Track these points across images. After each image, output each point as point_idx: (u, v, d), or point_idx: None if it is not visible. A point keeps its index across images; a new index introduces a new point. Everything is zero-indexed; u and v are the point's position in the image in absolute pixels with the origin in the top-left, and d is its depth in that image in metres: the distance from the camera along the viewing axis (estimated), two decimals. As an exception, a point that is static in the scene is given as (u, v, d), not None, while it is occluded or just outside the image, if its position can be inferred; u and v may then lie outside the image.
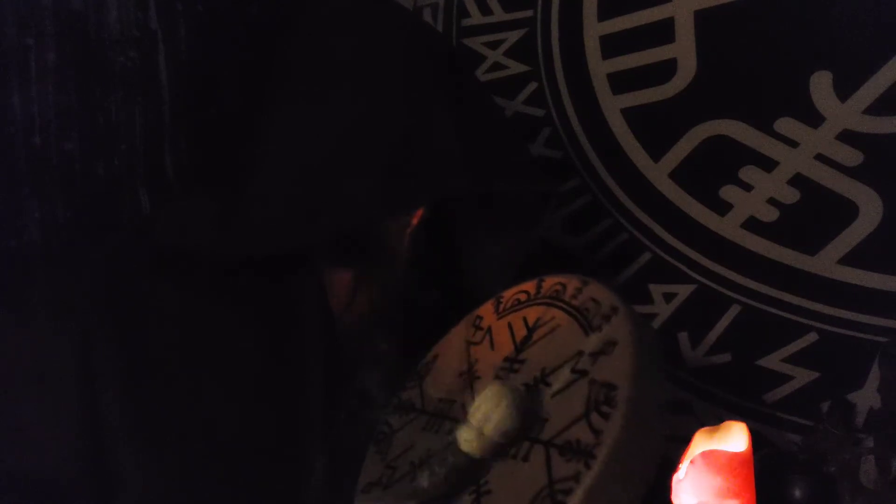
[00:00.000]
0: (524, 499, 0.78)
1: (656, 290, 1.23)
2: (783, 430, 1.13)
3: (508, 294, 1.02)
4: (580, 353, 0.84)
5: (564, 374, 0.85)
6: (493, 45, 1.44)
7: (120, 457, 0.95)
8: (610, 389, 0.78)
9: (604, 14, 1.32)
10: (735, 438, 0.94)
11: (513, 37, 1.42)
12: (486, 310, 1.03)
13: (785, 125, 1.16)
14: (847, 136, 1.12)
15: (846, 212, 1.11)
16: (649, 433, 0.78)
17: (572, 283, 0.93)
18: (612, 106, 1.30)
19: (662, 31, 1.26)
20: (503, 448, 0.85)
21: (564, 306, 0.91)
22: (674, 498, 0.92)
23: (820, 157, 1.13)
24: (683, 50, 1.24)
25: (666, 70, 1.25)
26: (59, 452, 0.97)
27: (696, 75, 1.23)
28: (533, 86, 1.39)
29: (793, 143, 1.15)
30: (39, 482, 0.96)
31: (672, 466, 0.93)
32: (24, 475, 0.96)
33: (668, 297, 1.22)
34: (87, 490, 0.96)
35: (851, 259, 1.11)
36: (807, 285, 1.13)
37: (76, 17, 1.13)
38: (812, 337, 1.13)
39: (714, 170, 1.21)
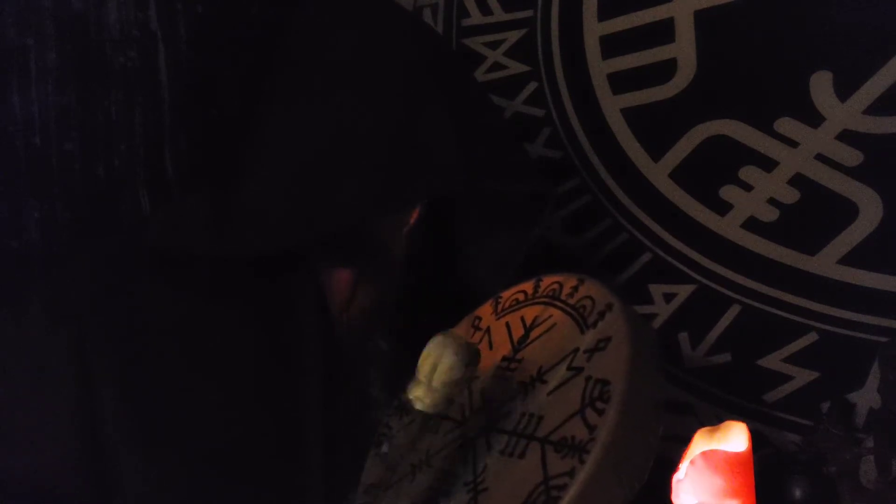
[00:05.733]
0: (520, 495, 0.78)
1: (656, 290, 1.23)
2: (783, 430, 1.13)
3: (507, 294, 1.02)
4: (576, 351, 0.85)
5: (560, 372, 0.85)
6: (493, 45, 1.44)
7: (117, 458, 0.95)
8: (604, 385, 0.78)
9: (604, 14, 1.32)
10: (735, 438, 0.94)
11: (513, 37, 1.42)
12: (485, 310, 1.03)
13: (785, 125, 1.16)
14: (847, 136, 1.11)
15: (846, 212, 1.11)
16: (644, 428, 0.78)
17: (569, 281, 0.93)
18: (612, 106, 1.30)
19: (662, 31, 1.25)
20: (452, 398, 0.88)
21: (561, 305, 0.92)
22: (674, 498, 0.92)
23: (820, 157, 1.13)
24: (683, 50, 1.24)
25: (666, 70, 1.25)
26: (57, 454, 0.97)
27: (696, 75, 1.23)
28: (533, 86, 1.39)
29: (793, 143, 1.15)
30: (37, 483, 0.96)
31: (672, 466, 0.93)
32: (21, 476, 0.97)
33: (668, 297, 1.22)
34: (84, 491, 0.96)
35: (851, 259, 1.11)
36: (807, 285, 1.13)
37: (76, 17, 1.13)
38: (812, 337, 1.13)
39: (714, 170, 1.21)
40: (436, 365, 0.87)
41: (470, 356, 0.87)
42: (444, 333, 0.90)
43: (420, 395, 0.87)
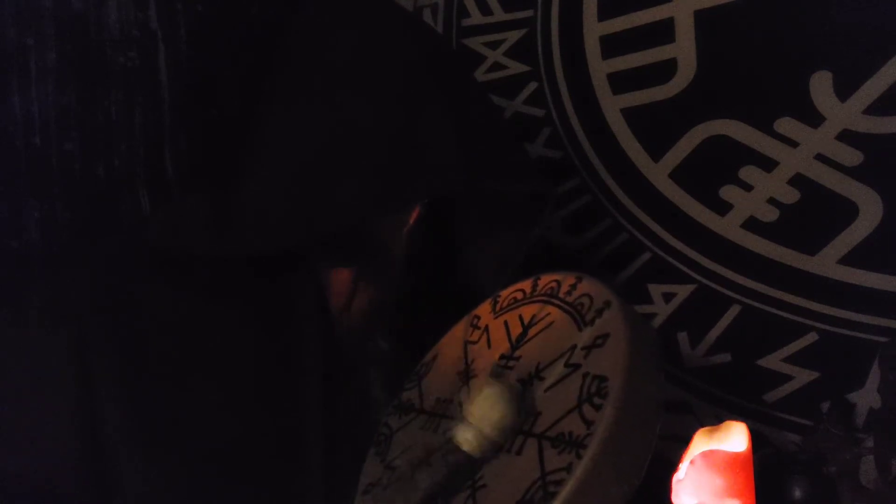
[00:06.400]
0: (518, 491, 0.78)
1: (656, 290, 1.23)
2: (783, 430, 1.13)
3: (505, 293, 1.02)
4: (573, 348, 0.85)
5: (558, 369, 0.85)
6: (493, 45, 1.44)
7: (117, 458, 0.95)
8: (602, 381, 0.78)
9: (604, 14, 1.32)
10: (735, 438, 0.94)
11: (513, 37, 1.42)
12: (484, 309, 1.03)
13: (785, 125, 1.16)
14: (847, 136, 1.12)
15: (846, 212, 1.11)
16: (642, 424, 0.78)
17: (567, 280, 0.93)
18: (612, 106, 1.30)
19: (662, 31, 1.25)
20: (500, 445, 0.86)
21: (559, 303, 0.92)
22: (674, 498, 0.92)
23: (820, 157, 1.13)
24: (683, 50, 1.24)
25: (666, 70, 1.25)
26: (57, 454, 0.97)
27: (696, 75, 1.23)
28: (533, 86, 1.39)
29: (793, 143, 1.15)
30: (37, 483, 0.96)
31: (672, 466, 0.93)
32: (21, 476, 0.96)
33: (668, 297, 1.22)
34: (84, 491, 0.96)
35: (851, 259, 1.11)
36: (807, 285, 1.13)
37: (76, 17, 1.13)
38: (812, 337, 1.13)
39: (714, 170, 1.21)
40: (489, 412, 0.86)
41: (522, 404, 0.86)
42: (498, 380, 0.89)
43: (469, 439, 0.86)
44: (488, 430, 0.85)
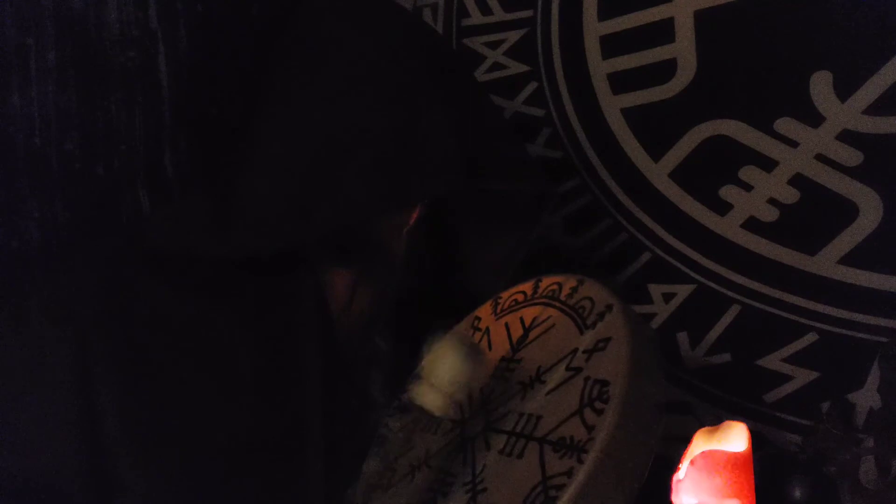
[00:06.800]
0: (519, 495, 0.78)
1: (656, 290, 1.23)
2: (783, 430, 1.13)
3: (506, 295, 1.02)
4: (575, 351, 0.85)
5: (559, 372, 0.85)
6: (493, 45, 1.44)
7: (118, 459, 0.95)
8: (603, 385, 0.78)
9: (604, 14, 1.32)
10: (735, 438, 0.94)
11: (513, 37, 1.42)
12: (485, 311, 1.03)
13: (785, 125, 1.16)
14: (847, 136, 1.12)
15: (846, 212, 1.11)
16: (643, 429, 0.79)
17: (568, 282, 0.93)
18: (612, 106, 1.30)
19: (662, 31, 1.26)
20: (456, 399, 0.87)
21: (560, 305, 0.92)
22: (674, 498, 0.92)
23: (820, 157, 1.13)
24: (683, 50, 1.24)
25: (666, 70, 1.25)
26: (57, 455, 0.96)
27: (696, 75, 1.23)
28: (533, 86, 1.39)
29: (793, 143, 1.15)
30: (37, 484, 0.96)
31: (672, 466, 0.93)
32: (21, 477, 0.96)
33: (668, 297, 1.22)
34: (85, 493, 0.96)
35: (851, 259, 1.11)
36: (807, 285, 1.13)
37: (76, 17, 1.13)
38: (812, 337, 1.13)
39: (714, 170, 1.21)
40: (441, 366, 0.86)
41: (475, 357, 0.87)
42: (448, 334, 0.90)
43: (423, 395, 0.87)
44: (440, 385, 0.87)
